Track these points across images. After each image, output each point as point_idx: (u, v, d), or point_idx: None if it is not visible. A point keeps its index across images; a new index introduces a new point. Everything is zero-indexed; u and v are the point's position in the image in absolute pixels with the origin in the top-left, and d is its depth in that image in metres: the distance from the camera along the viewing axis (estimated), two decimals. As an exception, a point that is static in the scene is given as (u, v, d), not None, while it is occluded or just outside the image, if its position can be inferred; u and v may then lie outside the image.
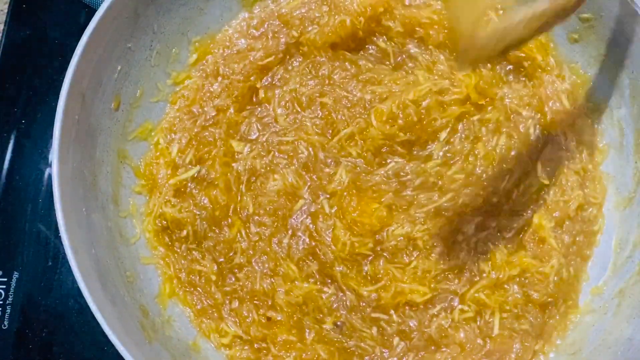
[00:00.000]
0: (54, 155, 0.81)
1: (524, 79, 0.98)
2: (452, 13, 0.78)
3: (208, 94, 0.98)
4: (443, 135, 0.95)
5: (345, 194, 0.93)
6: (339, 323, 0.91)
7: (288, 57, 0.99)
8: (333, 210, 0.93)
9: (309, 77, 0.98)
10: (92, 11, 1.10)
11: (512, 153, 0.95)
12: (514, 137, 0.95)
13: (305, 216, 0.94)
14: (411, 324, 0.90)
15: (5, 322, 1.00)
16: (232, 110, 0.97)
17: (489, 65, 0.98)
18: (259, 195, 0.94)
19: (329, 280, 0.92)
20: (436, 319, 0.90)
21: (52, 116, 0.81)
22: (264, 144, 0.96)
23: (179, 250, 0.95)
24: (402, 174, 0.94)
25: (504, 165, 0.95)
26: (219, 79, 0.98)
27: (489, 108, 0.97)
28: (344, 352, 0.91)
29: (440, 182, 0.94)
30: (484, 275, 0.91)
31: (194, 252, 0.94)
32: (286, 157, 0.95)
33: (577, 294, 0.95)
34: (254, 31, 1.00)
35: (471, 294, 0.90)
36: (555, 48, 0.98)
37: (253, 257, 0.93)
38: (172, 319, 0.93)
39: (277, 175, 0.94)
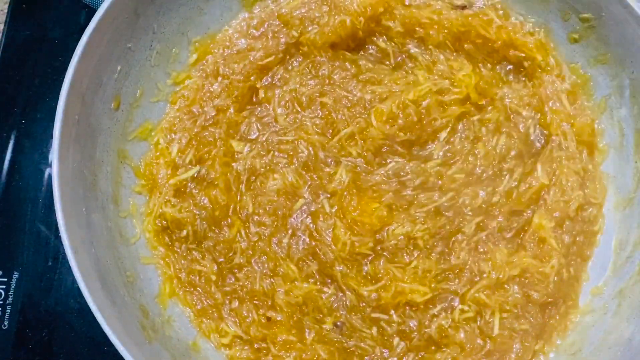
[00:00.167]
0: (54, 155, 0.81)
1: (524, 79, 0.98)
2: None
3: (208, 94, 0.98)
4: (443, 135, 0.95)
5: (345, 193, 0.93)
6: (339, 323, 0.91)
7: (288, 57, 0.99)
8: (333, 210, 0.93)
9: (309, 77, 0.98)
10: (92, 11, 1.10)
11: (512, 153, 0.95)
12: (514, 137, 0.95)
13: (305, 216, 0.94)
14: (411, 324, 0.90)
15: (5, 322, 1.00)
16: (232, 110, 0.97)
17: (489, 65, 0.98)
18: (259, 195, 0.94)
19: (329, 280, 0.92)
20: (436, 319, 0.90)
21: (52, 116, 0.81)
22: (264, 143, 0.96)
23: (179, 250, 0.95)
24: (402, 173, 0.94)
25: (504, 165, 0.95)
26: (219, 79, 0.98)
27: (489, 108, 0.97)
28: (344, 352, 0.91)
29: (440, 182, 0.94)
30: (484, 275, 0.91)
31: (194, 252, 0.94)
32: (286, 156, 0.95)
33: (577, 294, 0.95)
34: (254, 31, 1.00)
35: (471, 294, 0.90)
36: (555, 48, 0.98)
37: (253, 257, 0.93)
38: (172, 319, 0.93)
39: (277, 174, 0.94)
